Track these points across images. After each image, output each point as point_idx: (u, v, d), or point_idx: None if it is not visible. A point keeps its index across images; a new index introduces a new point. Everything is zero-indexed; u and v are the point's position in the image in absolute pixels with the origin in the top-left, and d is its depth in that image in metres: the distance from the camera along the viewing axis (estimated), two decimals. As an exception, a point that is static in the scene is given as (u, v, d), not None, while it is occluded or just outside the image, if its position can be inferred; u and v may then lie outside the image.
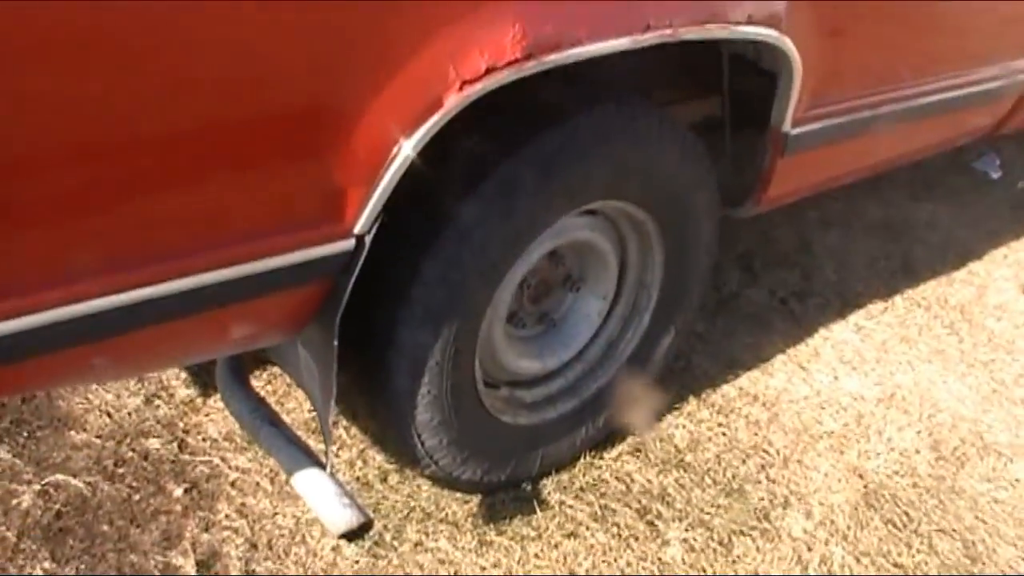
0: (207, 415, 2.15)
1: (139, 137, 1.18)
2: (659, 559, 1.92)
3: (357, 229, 1.42)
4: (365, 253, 1.45)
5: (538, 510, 1.97)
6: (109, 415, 2.13)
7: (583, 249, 1.96)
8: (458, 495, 1.96)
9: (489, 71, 1.38)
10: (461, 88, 1.37)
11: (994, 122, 2.79)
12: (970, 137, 2.92)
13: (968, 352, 2.62)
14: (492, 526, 1.92)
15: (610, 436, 2.14)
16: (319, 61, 1.27)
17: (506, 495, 2.00)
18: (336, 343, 1.52)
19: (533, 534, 1.92)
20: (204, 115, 1.22)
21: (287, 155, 1.32)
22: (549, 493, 2.02)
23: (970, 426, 2.37)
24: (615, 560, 1.89)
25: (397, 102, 1.35)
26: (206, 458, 2.04)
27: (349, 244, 1.43)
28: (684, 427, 2.23)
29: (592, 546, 1.92)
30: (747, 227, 2.90)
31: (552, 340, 2.04)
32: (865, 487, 2.15)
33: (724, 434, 2.22)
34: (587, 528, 1.95)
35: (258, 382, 2.19)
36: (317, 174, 1.35)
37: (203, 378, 2.22)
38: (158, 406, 2.17)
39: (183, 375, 2.24)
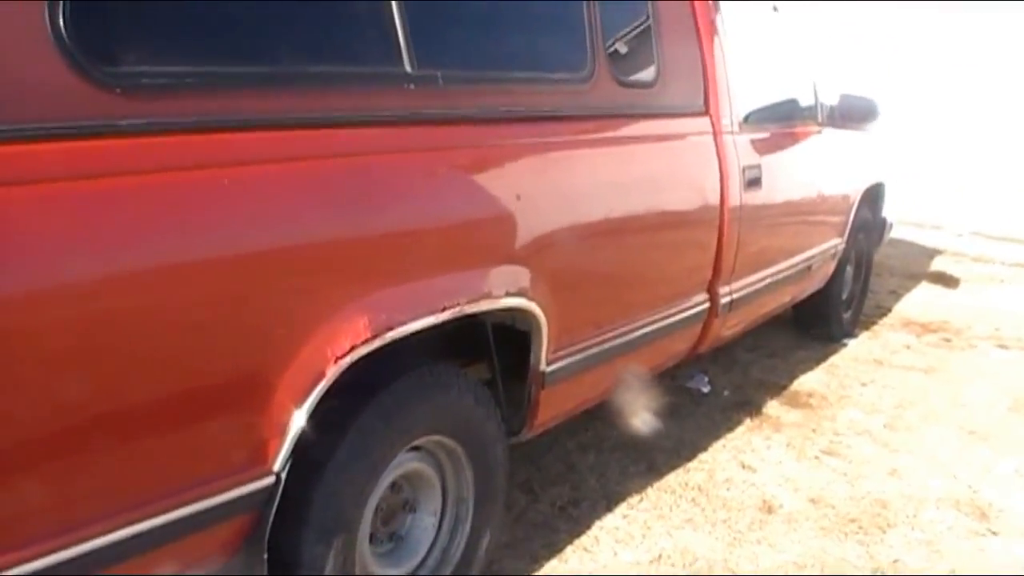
0: None
1: (118, 409, 1.90)
2: None
3: (276, 468, 2.19)
4: (282, 485, 2.21)
5: None
6: None
7: (414, 478, 2.76)
8: None
9: (352, 348, 2.24)
10: (336, 362, 2.22)
11: (692, 344, 3.91)
12: (678, 357, 4.01)
13: (709, 516, 3.57)
14: None
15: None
16: (249, 360, 2.08)
17: None
18: (266, 556, 2.23)
19: None
20: (169, 398, 1.98)
21: (228, 420, 2.10)
22: (422, 674, 2.71)
23: (722, 566, 3.27)
24: None
25: (297, 376, 2.17)
26: None
27: (271, 480, 2.20)
28: (509, 610, 3.00)
29: None
30: (522, 461, 3.79)
31: (401, 552, 2.78)
32: (655, 623, 2.98)
33: (541, 608, 3.01)
34: None
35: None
36: (250, 431, 2.13)
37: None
38: None
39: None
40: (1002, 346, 5.81)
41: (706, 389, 4.74)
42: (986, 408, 4.79)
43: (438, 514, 2.85)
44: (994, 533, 3.61)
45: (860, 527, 3.59)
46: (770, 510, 3.66)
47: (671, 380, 4.73)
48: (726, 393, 4.76)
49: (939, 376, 5.24)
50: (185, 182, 1.96)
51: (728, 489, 3.81)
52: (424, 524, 2.83)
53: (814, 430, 4.43)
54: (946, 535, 3.58)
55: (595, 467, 3.90)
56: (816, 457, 4.15)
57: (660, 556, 3.32)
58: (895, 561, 3.39)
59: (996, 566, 3.39)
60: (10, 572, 1.75)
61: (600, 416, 4.12)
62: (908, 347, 5.71)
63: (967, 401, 4.88)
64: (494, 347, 2.98)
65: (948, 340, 5.89)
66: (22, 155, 1.71)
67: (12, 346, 1.68)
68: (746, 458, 4.08)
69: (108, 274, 1.82)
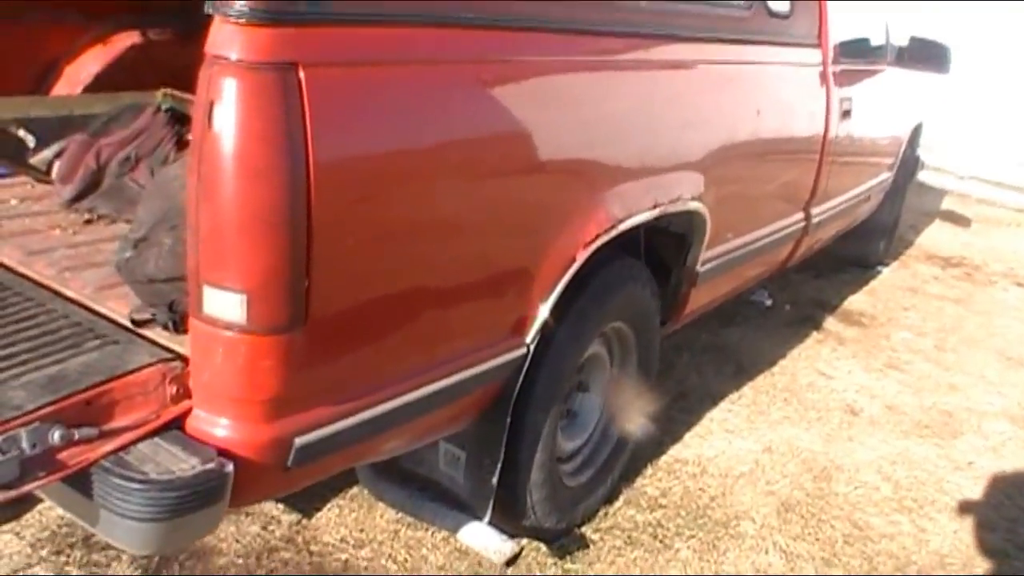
0: (316, 529, 2.88)
1: (434, 294, 2.10)
2: (677, 559, 2.90)
3: (528, 340, 2.39)
4: (531, 356, 2.41)
5: (590, 545, 2.90)
6: (237, 541, 2.81)
7: (591, 360, 2.96)
8: (542, 547, 2.83)
9: (596, 236, 2.43)
10: (584, 247, 2.40)
11: (785, 258, 4.14)
12: (775, 269, 4.24)
13: (803, 415, 3.85)
14: (568, 557, 2.82)
15: (615, 492, 3.11)
16: (527, 245, 2.27)
17: (566, 539, 2.90)
18: (509, 420, 2.43)
19: (594, 557, 2.85)
20: (471, 280, 2.17)
21: (507, 297, 2.28)
22: (591, 535, 2.95)
23: (822, 457, 3.56)
24: (652, 566, 2.85)
25: (554, 260, 2.35)
26: (335, 558, 2.78)
27: (524, 351, 2.39)
28: (651, 484, 3.24)
29: (635, 559, 2.87)
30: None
31: (575, 427, 3.00)
32: (780, 501, 3.25)
33: (678, 482, 3.26)
34: (623, 550, 2.90)
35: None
36: (517, 307, 2.32)
37: (299, 504, 2.95)
38: (273, 530, 2.86)
39: (280, 505, 2.95)
40: (1019, 284, 6.17)
41: (768, 303, 4.99)
42: (1018, 339, 5.12)
43: (604, 395, 3.06)
44: (1047, 444, 3.94)
45: (933, 432, 3.90)
46: (854, 413, 3.95)
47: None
48: (787, 308, 5.02)
49: (969, 307, 5.57)
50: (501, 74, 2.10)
51: (812, 392, 4.08)
52: (593, 404, 3.04)
53: (873, 346, 4.71)
54: (1008, 444, 3.90)
55: (691, 366, 4.15)
56: (880, 370, 4.44)
57: (770, 447, 3.58)
58: (970, 463, 3.70)
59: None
60: (344, 422, 1.92)
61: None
62: (936, 278, 6.03)
63: (999, 331, 5.22)
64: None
65: (969, 275, 6.22)
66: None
67: (356, 208, 1.80)
68: (821, 366, 4.36)
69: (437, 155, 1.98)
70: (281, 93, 1.60)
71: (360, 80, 1.76)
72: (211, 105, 1.59)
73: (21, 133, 2.92)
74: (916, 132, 5.89)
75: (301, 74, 1.62)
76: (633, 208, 2.57)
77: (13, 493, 1.53)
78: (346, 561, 2.76)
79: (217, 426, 1.77)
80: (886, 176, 5.37)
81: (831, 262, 5.76)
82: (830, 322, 4.95)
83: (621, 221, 2.51)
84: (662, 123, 2.72)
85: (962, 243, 6.97)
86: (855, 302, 5.34)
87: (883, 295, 5.54)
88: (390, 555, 2.77)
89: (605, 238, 2.46)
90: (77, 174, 2.60)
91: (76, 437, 1.61)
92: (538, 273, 2.32)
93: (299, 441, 1.82)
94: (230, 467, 1.71)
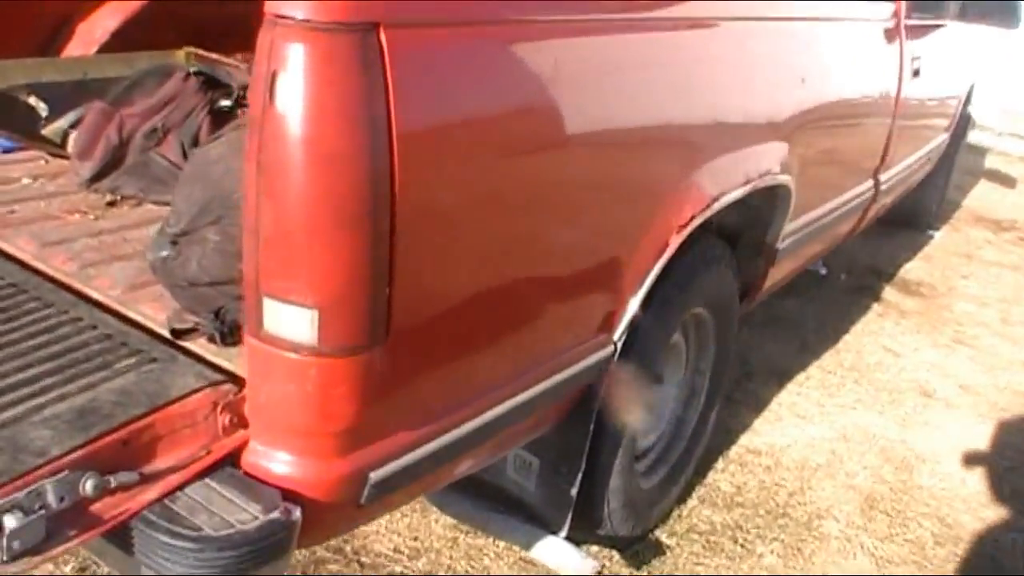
0: (366, 538, 2.58)
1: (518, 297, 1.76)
2: (761, 565, 2.60)
3: (616, 337, 2.07)
4: (618, 352, 2.09)
5: (666, 551, 2.60)
6: (281, 552, 2.51)
7: (670, 349, 2.64)
8: (615, 555, 2.54)
9: (692, 218, 2.10)
10: (679, 231, 2.07)
11: (853, 227, 3.81)
12: (842, 240, 3.90)
13: (875, 396, 3.54)
14: (645, 567, 2.52)
15: (685, 492, 2.80)
16: (622, 231, 1.96)
17: (640, 545, 2.60)
18: (592, 426, 2.12)
19: (672, 565, 2.55)
20: (564, 274, 1.85)
21: (598, 291, 1.97)
22: (666, 539, 2.65)
23: (900, 445, 3.25)
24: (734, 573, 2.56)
25: (647, 246, 2.03)
26: (388, 570, 2.48)
27: (612, 348, 2.07)
28: (724, 480, 2.94)
29: (715, 567, 2.57)
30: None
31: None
32: (863, 497, 2.94)
33: (752, 476, 2.95)
34: (703, 556, 2.60)
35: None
36: (607, 302, 2.00)
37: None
38: (318, 538, 2.57)
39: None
40: (1074, 248, 5.84)
41: (823, 271, 4.66)
42: (1084, 308, 4.80)
43: (679, 385, 2.75)
44: None
45: (1013, 415, 3.58)
46: (927, 395, 3.65)
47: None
48: (843, 277, 4.70)
49: (1027, 274, 5.25)
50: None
51: (882, 372, 3.77)
52: (668, 395, 2.73)
53: (937, 319, 4.40)
54: (1093, 426, 3.58)
55: (752, 343, 3.82)
56: (948, 346, 4.14)
57: (844, 434, 3.28)
58: (1057, 449, 3.39)
59: None
60: (424, 449, 1.61)
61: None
62: (990, 243, 5.71)
63: (1063, 300, 4.89)
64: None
65: (1023, 239, 5.88)
66: None
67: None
68: (886, 342, 4.06)
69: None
70: (360, 60, 1.27)
71: (447, 45, 1.42)
72: (273, 76, 1.26)
73: (31, 100, 2.57)
74: (971, 91, 5.51)
75: (383, 37, 1.29)
76: (726, 184, 2.24)
77: (38, 559, 1.22)
78: (401, 574, 2.45)
79: (279, 462, 1.46)
80: (944, 137, 5.02)
81: (883, 226, 5.41)
82: (888, 292, 4.63)
83: (716, 200, 2.18)
84: (753, 85, 2.39)
85: (1011, 204, 6.62)
86: (911, 270, 5.02)
87: (939, 262, 5.21)
88: (449, 566, 2.48)
89: (699, 220, 2.12)
90: (97, 149, 2.26)
91: (112, 485, 1.30)
92: (630, 262, 2.02)
93: (375, 476, 1.51)
94: (297, 513, 1.40)
